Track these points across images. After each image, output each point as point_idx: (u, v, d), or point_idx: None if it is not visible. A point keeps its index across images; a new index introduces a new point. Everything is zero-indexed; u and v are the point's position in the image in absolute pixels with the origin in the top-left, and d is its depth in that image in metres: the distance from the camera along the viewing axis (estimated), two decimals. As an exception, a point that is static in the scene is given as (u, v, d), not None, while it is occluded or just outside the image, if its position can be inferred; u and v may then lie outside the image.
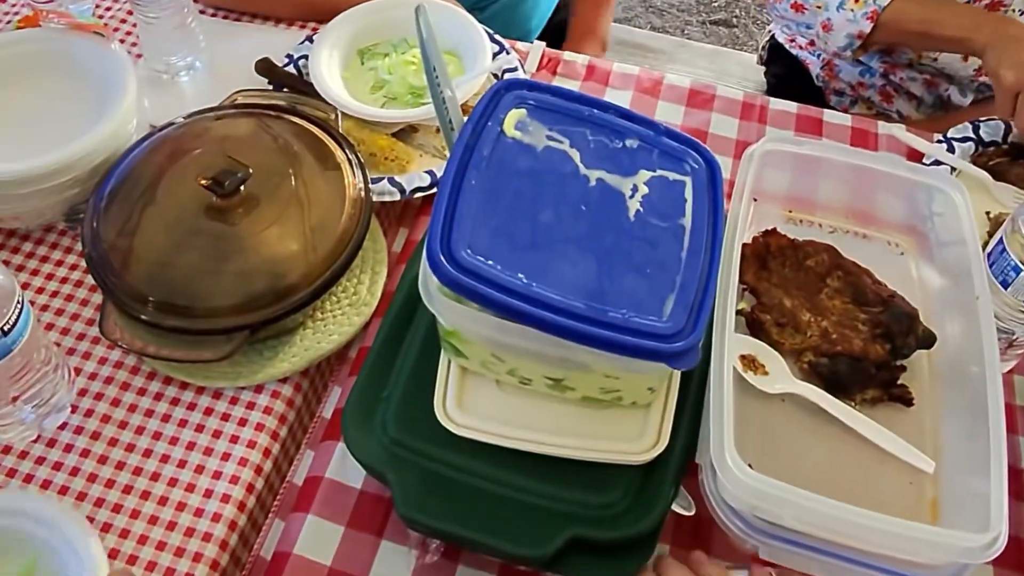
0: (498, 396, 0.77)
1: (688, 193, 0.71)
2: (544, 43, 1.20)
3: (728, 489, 0.66)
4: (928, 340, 0.78)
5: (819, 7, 1.25)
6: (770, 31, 1.54)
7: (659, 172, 0.72)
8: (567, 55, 1.19)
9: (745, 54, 1.91)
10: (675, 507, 0.72)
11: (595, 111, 0.74)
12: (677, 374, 0.76)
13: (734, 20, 2.71)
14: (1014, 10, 1.23)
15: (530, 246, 0.66)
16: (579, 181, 0.70)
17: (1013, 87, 1.06)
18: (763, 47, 1.58)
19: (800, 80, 1.47)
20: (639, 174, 0.72)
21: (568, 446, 0.73)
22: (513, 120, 0.72)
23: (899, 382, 0.77)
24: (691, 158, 0.73)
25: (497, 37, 1.14)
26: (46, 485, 0.78)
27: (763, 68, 1.61)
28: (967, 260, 0.80)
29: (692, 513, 0.72)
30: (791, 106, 1.13)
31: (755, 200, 0.87)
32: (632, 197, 0.70)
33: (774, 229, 0.85)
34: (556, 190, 0.69)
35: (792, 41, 1.48)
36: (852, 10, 1.21)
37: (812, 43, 1.44)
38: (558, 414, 0.76)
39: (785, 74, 1.52)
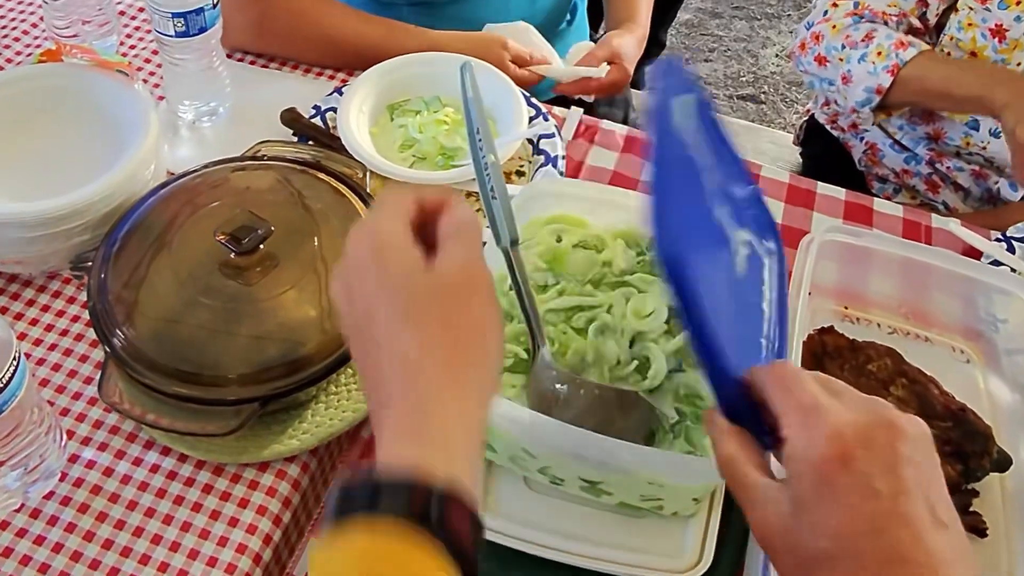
0: (526, 495, 0.70)
1: (766, 275, 0.64)
2: (582, 109, 1.15)
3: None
4: (1003, 463, 0.71)
5: (841, 59, 1.21)
6: (808, 110, 1.50)
7: (751, 239, 0.63)
8: (605, 124, 1.14)
9: (779, 132, 1.87)
10: (719, 636, 0.65)
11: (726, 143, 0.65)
12: (722, 484, 0.70)
13: (762, 96, 2.69)
14: None
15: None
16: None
17: None
18: (800, 127, 1.54)
19: (839, 163, 1.42)
20: (739, 232, 0.62)
21: (601, 558, 0.67)
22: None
23: (971, 508, 0.71)
24: (771, 238, 0.66)
25: (534, 101, 1.09)
26: (26, 561, 0.71)
27: (798, 148, 1.57)
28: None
29: (738, 643, 0.65)
30: (839, 192, 1.08)
31: (809, 294, 0.81)
32: (737, 253, 0.61)
33: (831, 327, 0.80)
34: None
35: (834, 123, 1.43)
36: (873, 63, 1.17)
37: (854, 125, 1.40)
38: (591, 520, 0.69)
39: (822, 156, 1.47)
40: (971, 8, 1.15)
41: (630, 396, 0.68)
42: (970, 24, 1.14)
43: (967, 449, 0.71)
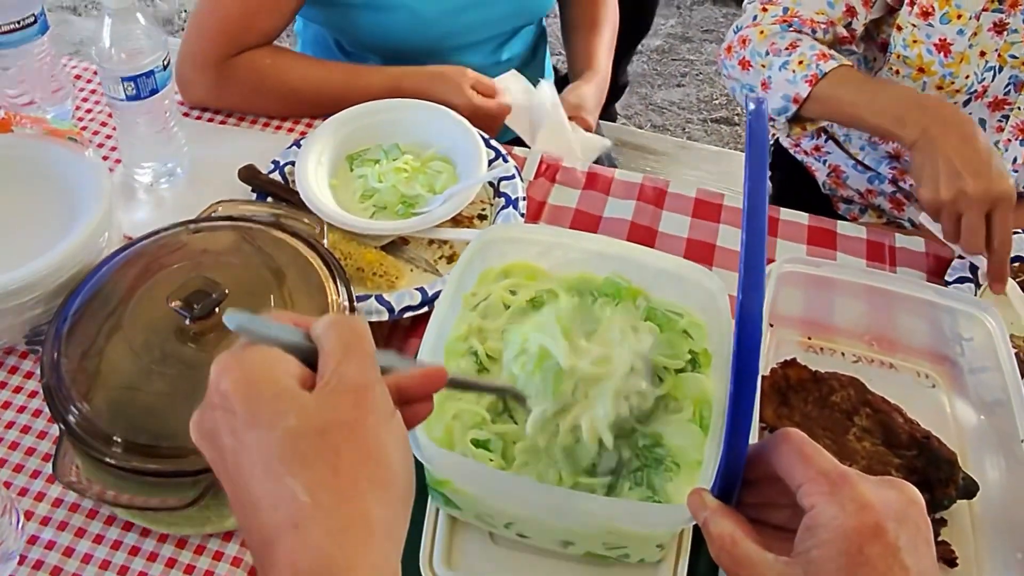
0: (491, 551, 0.69)
1: None
2: (541, 151, 1.15)
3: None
4: (970, 489, 0.71)
5: (764, 65, 1.18)
6: (774, 135, 1.50)
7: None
8: (566, 162, 1.14)
9: (748, 154, 1.87)
10: None
11: None
12: (689, 528, 0.69)
13: (735, 119, 2.70)
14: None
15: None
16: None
17: (931, 205, 0.96)
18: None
19: (805, 185, 1.42)
20: None
21: (570, 612, 0.65)
22: None
23: (940, 538, 0.70)
24: None
25: (494, 143, 1.09)
26: (-17, 650, 0.70)
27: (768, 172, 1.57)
28: (1004, 389, 0.74)
29: None
30: (802, 217, 1.08)
31: (771, 325, 0.81)
32: None
33: (794, 360, 0.79)
34: None
35: (797, 147, 1.44)
36: (794, 71, 1.13)
37: (817, 148, 1.40)
38: (559, 572, 0.68)
39: (789, 179, 1.47)
40: (914, 25, 1.14)
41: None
42: (915, 41, 1.14)
43: (933, 477, 0.70)
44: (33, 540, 0.75)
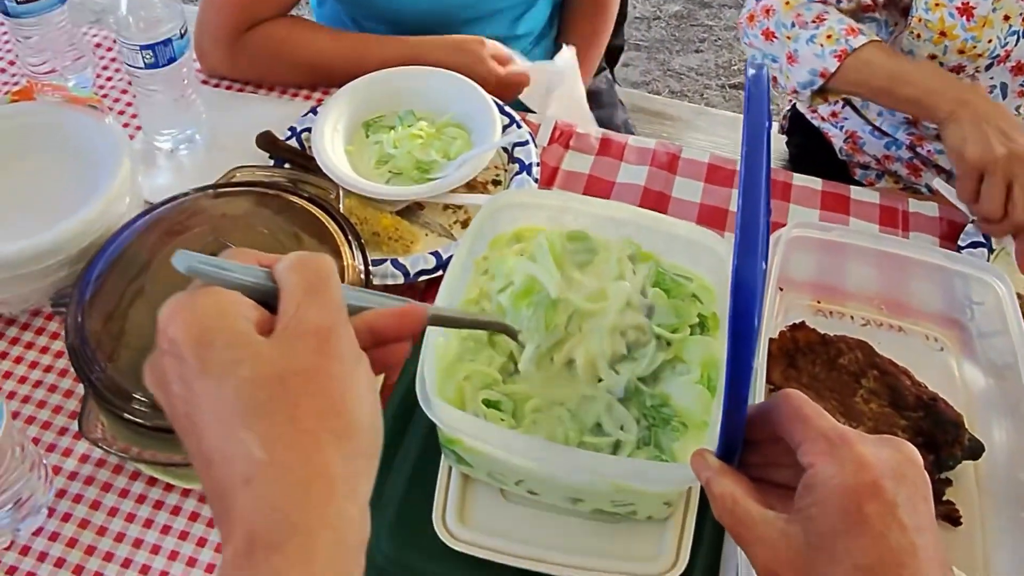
0: (502, 506, 0.71)
1: None
2: (556, 117, 1.16)
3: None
4: (976, 450, 0.71)
5: (789, 37, 1.18)
6: (791, 100, 1.50)
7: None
8: (579, 128, 1.15)
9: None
10: (697, 636, 0.66)
11: None
12: (696, 487, 0.70)
13: (753, 83, 2.68)
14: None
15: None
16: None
17: (977, 165, 0.99)
18: (784, 116, 1.54)
19: (823, 151, 1.42)
20: None
21: (579, 566, 0.67)
22: None
23: (944, 498, 0.71)
24: None
25: (508, 109, 1.09)
26: (15, 598, 0.72)
27: (784, 137, 1.56)
28: (1013, 353, 0.74)
29: (716, 643, 0.65)
30: (816, 182, 1.08)
31: (781, 290, 0.82)
32: None
33: (803, 323, 0.80)
34: None
35: (814, 112, 1.43)
36: (822, 45, 1.14)
37: (834, 114, 1.39)
38: (568, 529, 0.70)
39: (806, 145, 1.47)
40: None
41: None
42: (937, 4, 1.13)
43: (939, 439, 0.71)
44: (61, 494, 0.78)
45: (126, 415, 0.76)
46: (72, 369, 0.86)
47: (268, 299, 0.44)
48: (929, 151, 1.30)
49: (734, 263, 0.48)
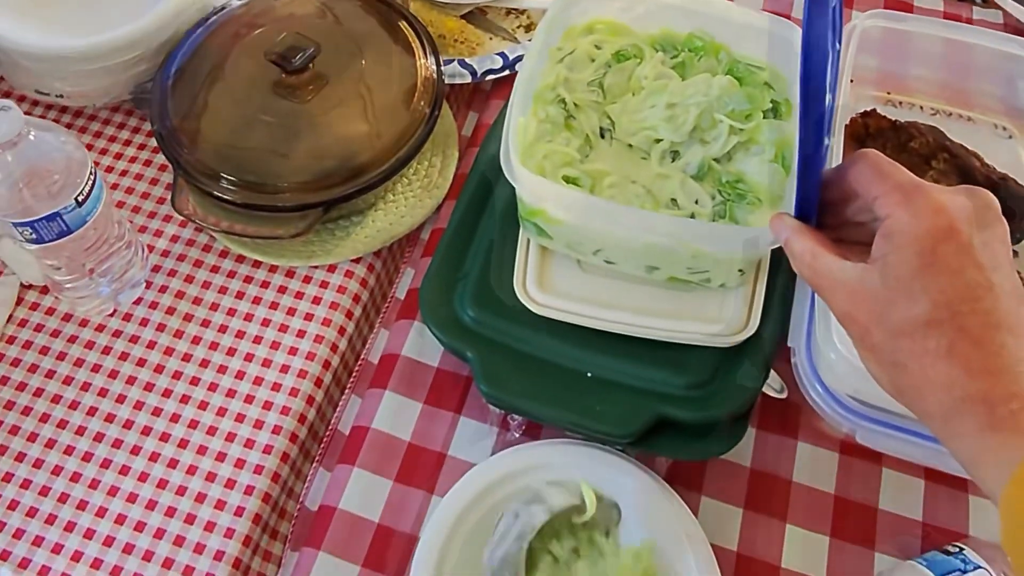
0: (580, 276, 0.74)
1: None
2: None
3: (833, 371, 0.63)
4: (1043, 226, 0.73)
5: None
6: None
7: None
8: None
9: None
10: (766, 390, 0.69)
11: None
12: (767, 257, 0.73)
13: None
14: None
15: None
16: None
17: None
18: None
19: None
20: None
21: (654, 327, 0.70)
22: None
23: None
24: None
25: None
26: (124, 357, 0.77)
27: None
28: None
29: (784, 396, 0.69)
30: (878, -15, 1.07)
31: (851, 81, 0.82)
32: None
33: (874, 110, 0.81)
34: None
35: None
36: None
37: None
38: (643, 294, 0.73)
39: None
40: None
41: None
42: None
43: (1009, 213, 0.72)
44: (156, 269, 0.82)
45: (216, 193, 0.79)
46: (156, 158, 0.90)
47: None
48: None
49: (804, 23, 0.48)
